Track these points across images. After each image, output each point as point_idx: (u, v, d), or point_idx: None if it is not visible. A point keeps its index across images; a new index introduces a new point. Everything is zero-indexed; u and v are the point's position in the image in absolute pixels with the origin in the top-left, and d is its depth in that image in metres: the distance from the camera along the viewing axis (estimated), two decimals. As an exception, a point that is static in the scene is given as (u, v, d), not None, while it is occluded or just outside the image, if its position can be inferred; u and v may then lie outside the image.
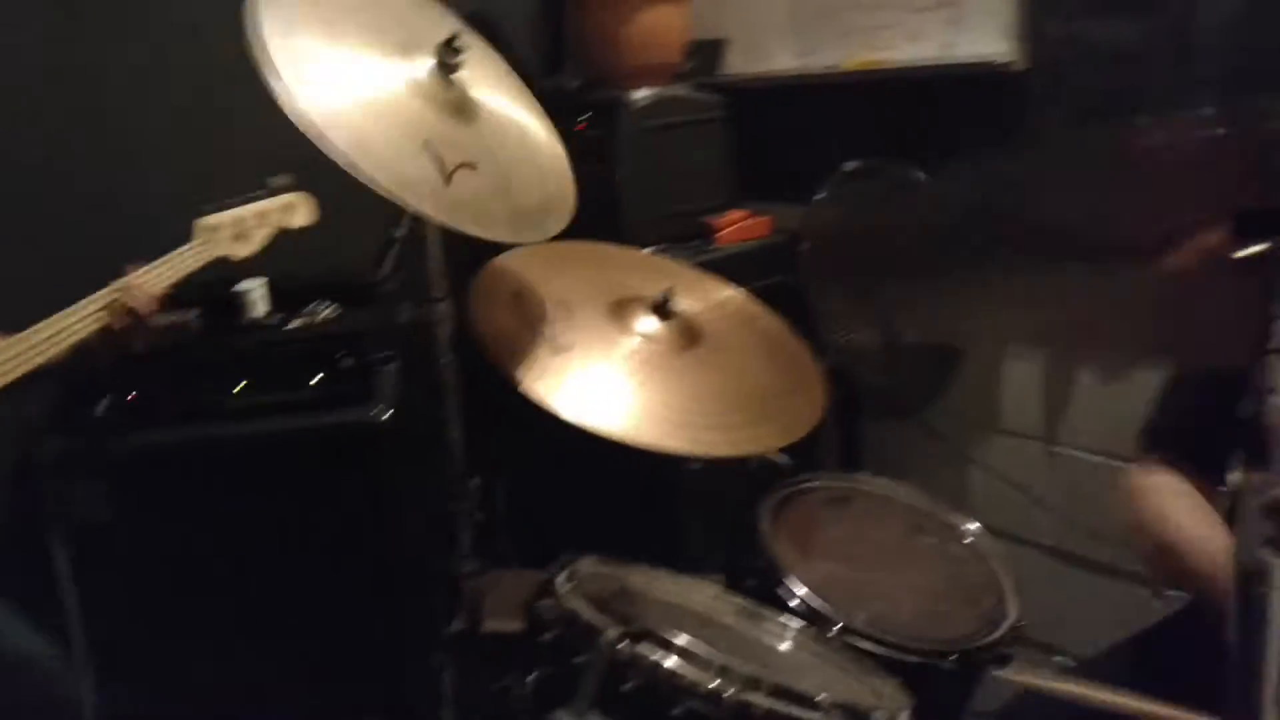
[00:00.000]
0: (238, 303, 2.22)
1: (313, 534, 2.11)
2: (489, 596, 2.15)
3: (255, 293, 2.22)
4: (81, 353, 1.67)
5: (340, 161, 1.31)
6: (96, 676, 1.96)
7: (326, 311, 2.25)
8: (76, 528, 2.03)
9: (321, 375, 2.11)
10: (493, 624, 1.81)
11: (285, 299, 2.26)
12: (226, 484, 2.07)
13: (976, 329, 2.17)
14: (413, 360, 2.21)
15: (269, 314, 2.23)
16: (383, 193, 1.32)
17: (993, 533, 1.88)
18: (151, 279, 1.68)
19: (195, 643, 2.08)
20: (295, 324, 2.20)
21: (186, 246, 1.73)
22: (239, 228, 1.77)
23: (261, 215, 1.80)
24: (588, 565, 1.38)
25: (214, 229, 1.75)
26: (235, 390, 2.09)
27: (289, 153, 2.18)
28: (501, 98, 1.76)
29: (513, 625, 1.94)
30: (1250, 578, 0.75)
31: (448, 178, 1.40)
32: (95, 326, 1.64)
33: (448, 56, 1.55)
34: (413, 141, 1.43)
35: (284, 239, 2.40)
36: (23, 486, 2.23)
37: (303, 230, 1.86)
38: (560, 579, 1.31)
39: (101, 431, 2.03)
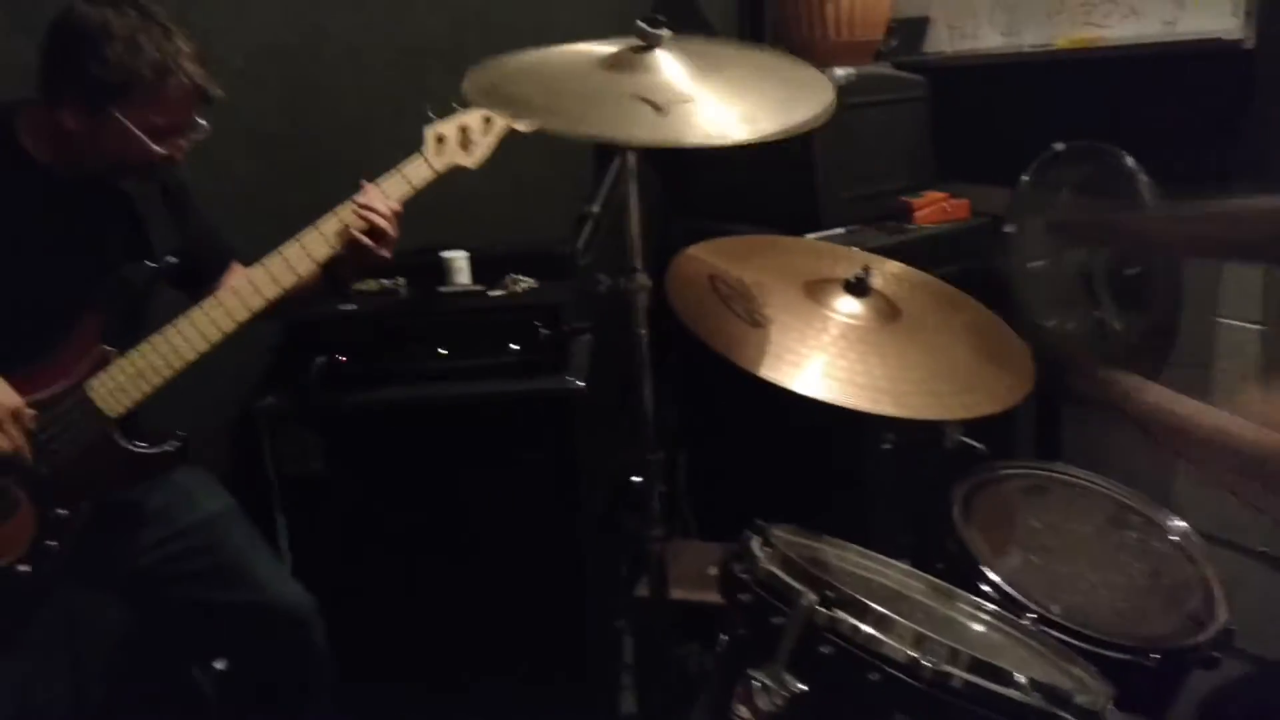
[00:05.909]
0: (442, 270, 2.33)
1: (505, 494, 2.20)
2: (673, 565, 2.19)
3: (458, 262, 2.31)
4: (330, 269, 1.77)
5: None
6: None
7: (524, 283, 2.32)
8: (292, 480, 2.19)
9: (520, 344, 2.19)
10: (679, 591, 1.83)
11: (484, 269, 2.35)
12: (428, 443, 2.18)
13: (1193, 319, 2.06)
14: (608, 332, 2.27)
15: (471, 283, 2.32)
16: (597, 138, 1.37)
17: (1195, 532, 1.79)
18: (388, 187, 1.76)
19: (394, 591, 2.22)
20: (496, 294, 2.28)
21: (416, 154, 1.78)
22: (465, 134, 1.79)
23: (486, 119, 1.81)
24: (782, 532, 1.38)
25: (441, 137, 1.79)
26: (439, 354, 2.20)
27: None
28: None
29: (698, 594, 1.97)
30: None
31: (663, 111, 1.42)
32: (338, 240, 1.73)
33: (644, 36, 1.57)
34: (618, 99, 1.47)
35: (483, 213, 2.51)
36: (242, 439, 2.40)
37: (525, 135, 1.80)
38: (755, 543, 1.32)
39: (316, 389, 2.16)
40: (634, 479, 1.79)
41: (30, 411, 1.58)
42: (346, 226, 1.73)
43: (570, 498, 2.20)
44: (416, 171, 1.78)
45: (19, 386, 1.58)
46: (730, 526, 1.73)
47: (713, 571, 2.04)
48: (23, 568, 1.60)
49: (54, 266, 1.65)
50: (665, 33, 1.60)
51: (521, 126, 1.75)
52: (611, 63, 1.56)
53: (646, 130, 1.40)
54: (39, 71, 1.60)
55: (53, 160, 1.64)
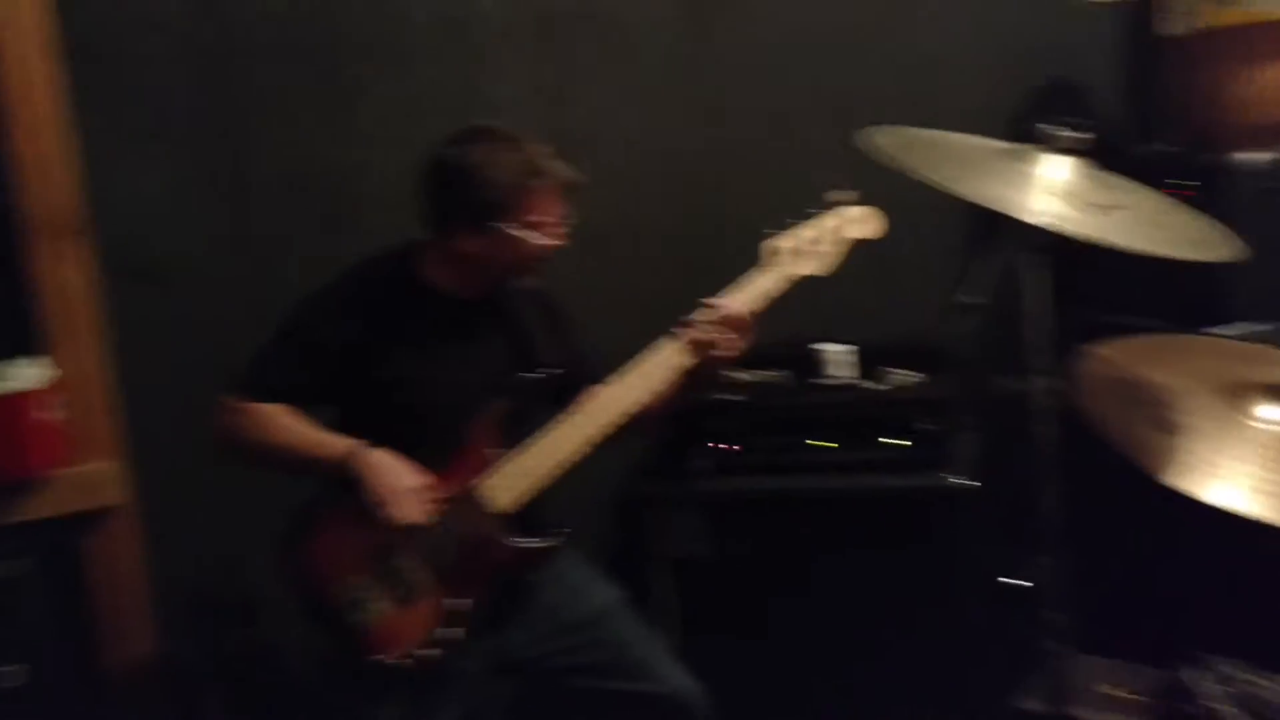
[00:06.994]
0: (821, 362, 2.38)
1: (884, 586, 2.20)
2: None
3: (840, 354, 2.35)
4: (680, 383, 1.85)
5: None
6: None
7: (905, 376, 2.32)
8: (674, 561, 2.29)
9: (901, 437, 2.19)
10: (1078, 710, 1.73)
11: (864, 362, 2.39)
12: (809, 532, 2.23)
13: None
14: (1001, 431, 2.21)
15: (851, 376, 2.35)
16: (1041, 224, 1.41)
17: None
18: (732, 303, 1.83)
19: (768, 675, 2.25)
20: (876, 387, 2.30)
21: (755, 269, 1.85)
22: (801, 246, 1.86)
23: (820, 230, 1.87)
24: (1226, 668, 1.29)
25: (778, 250, 1.85)
26: (819, 446, 2.24)
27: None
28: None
29: (1097, 715, 1.86)
30: None
31: (1106, 212, 1.43)
32: (686, 356, 1.82)
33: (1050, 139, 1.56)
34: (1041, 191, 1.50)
35: (855, 305, 2.53)
36: (626, 522, 2.53)
37: (870, 243, 1.89)
38: (1197, 677, 1.24)
39: (702, 476, 2.27)
40: (1019, 583, 1.73)
41: (432, 493, 1.75)
42: (698, 338, 1.81)
43: (950, 596, 2.15)
44: (756, 285, 1.85)
45: None
46: (1122, 643, 1.60)
47: (1109, 691, 1.93)
48: (427, 653, 1.74)
49: (456, 379, 1.83)
50: (1072, 133, 1.57)
51: (862, 233, 1.87)
52: (1014, 156, 1.57)
53: (1075, 224, 1.40)
54: (425, 214, 1.82)
55: (453, 285, 1.84)
